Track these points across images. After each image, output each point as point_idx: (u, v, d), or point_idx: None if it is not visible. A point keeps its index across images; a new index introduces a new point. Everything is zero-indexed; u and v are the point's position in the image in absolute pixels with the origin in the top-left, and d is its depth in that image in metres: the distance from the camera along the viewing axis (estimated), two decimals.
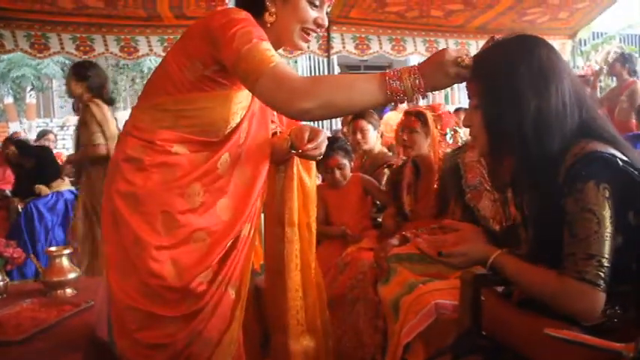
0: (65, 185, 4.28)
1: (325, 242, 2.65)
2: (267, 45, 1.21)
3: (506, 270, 1.19)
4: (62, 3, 4.03)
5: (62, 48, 4.33)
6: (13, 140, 5.13)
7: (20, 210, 4.08)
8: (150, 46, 4.54)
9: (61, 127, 12.76)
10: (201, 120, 1.35)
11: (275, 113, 1.54)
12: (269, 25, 1.36)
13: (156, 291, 1.31)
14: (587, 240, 1.06)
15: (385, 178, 2.87)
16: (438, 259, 1.29)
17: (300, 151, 1.46)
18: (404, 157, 2.52)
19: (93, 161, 3.20)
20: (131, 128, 1.38)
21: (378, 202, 2.86)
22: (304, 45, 1.42)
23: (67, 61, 10.34)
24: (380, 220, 2.76)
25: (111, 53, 4.50)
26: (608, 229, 1.06)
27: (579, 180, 1.08)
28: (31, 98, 14.71)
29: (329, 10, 1.42)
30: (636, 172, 1.08)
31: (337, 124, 5.99)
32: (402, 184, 2.45)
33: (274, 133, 1.58)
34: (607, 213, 1.06)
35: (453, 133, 2.33)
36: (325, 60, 5.25)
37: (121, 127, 2.11)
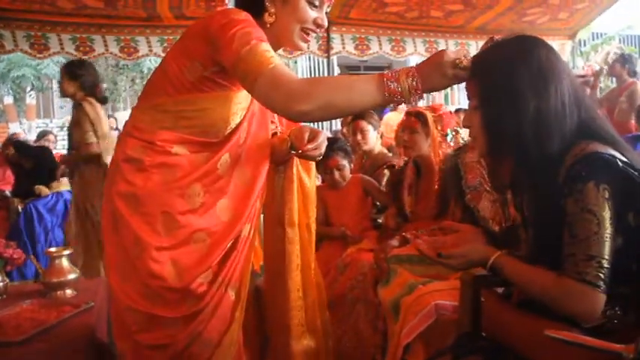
0: (65, 186, 4.28)
1: (325, 243, 2.66)
2: (266, 46, 1.21)
3: (505, 271, 1.19)
4: (62, 3, 4.03)
5: (62, 48, 4.33)
6: (12, 141, 5.13)
7: (20, 210, 4.08)
8: (150, 46, 4.54)
9: (61, 128, 12.75)
10: (202, 121, 1.35)
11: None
12: (269, 25, 1.36)
13: (156, 292, 1.30)
14: (587, 241, 1.05)
15: (385, 179, 2.87)
16: (438, 260, 1.29)
17: (299, 151, 1.46)
18: (405, 158, 2.52)
19: (86, 160, 3.20)
20: (131, 129, 1.38)
21: (378, 203, 2.86)
22: (304, 45, 1.42)
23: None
24: (380, 221, 2.76)
25: (111, 54, 4.50)
26: (608, 230, 1.06)
27: (579, 181, 1.08)
28: (31, 99, 14.72)
29: (328, 10, 1.42)
30: (636, 173, 1.08)
31: (337, 124, 5.99)
32: (404, 184, 2.45)
33: (274, 134, 1.58)
34: (607, 214, 1.06)
35: (454, 133, 2.33)
36: (325, 60, 5.25)
37: (120, 127, 2.11)
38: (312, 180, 1.72)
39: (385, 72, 1.15)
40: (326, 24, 1.41)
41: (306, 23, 1.37)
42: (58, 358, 1.44)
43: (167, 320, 1.31)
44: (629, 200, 1.08)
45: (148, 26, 4.50)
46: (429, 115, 2.31)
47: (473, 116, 1.22)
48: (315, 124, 1.71)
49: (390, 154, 3.45)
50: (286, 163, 1.63)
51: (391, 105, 1.48)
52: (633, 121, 4.12)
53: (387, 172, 2.91)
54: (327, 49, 4.91)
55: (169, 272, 1.30)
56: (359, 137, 3.10)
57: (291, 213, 1.63)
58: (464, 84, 1.20)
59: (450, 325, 1.61)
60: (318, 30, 1.40)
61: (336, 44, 4.92)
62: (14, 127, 12.79)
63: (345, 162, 2.70)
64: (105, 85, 12.86)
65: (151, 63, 11.05)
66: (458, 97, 12.72)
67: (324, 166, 2.66)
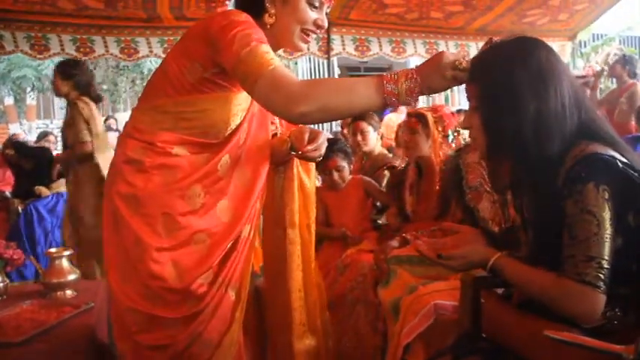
0: (64, 186, 4.28)
1: (325, 244, 2.65)
2: (266, 48, 1.21)
3: (505, 272, 1.19)
4: (62, 4, 4.03)
5: (62, 49, 4.32)
6: (11, 142, 5.14)
7: (20, 211, 4.08)
8: (150, 47, 4.54)
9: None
10: (202, 122, 1.35)
11: None
12: (269, 26, 1.36)
13: (156, 293, 1.31)
14: (587, 242, 1.06)
15: (385, 180, 2.87)
16: (438, 261, 1.29)
17: (299, 152, 1.46)
18: (405, 159, 2.52)
19: (80, 159, 3.19)
20: (131, 130, 1.38)
21: (378, 204, 2.86)
22: (304, 46, 1.42)
23: None
24: (380, 221, 2.76)
25: (111, 54, 4.49)
26: (608, 231, 1.06)
27: (579, 182, 1.08)
28: (31, 99, 14.72)
29: (328, 11, 1.42)
30: (636, 174, 1.08)
31: (337, 125, 5.99)
32: (405, 184, 2.46)
33: (274, 135, 1.58)
34: (607, 215, 1.06)
35: (455, 134, 2.33)
36: (325, 61, 5.25)
37: (120, 128, 2.11)
38: (312, 181, 1.72)
39: (385, 74, 1.15)
40: (326, 25, 1.41)
41: (306, 24, 1.37)
42: (58, 358, 1.44)
43: (167, 321, 1.32)
44: (629, 201, 1.08)
45: (149, 27, 4.49)
46: (430, 116, 2.32)
47: (472, 117, 1.22)
48: (315, 125, 1.71)
49: (391, 155, 3.45)
50: (286, 164, 1.63)
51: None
52: (633, 122, 4.12)
53: (387, 173, 2.91)
54: (327, 50, 4.91)
55: (170, 273, 1.31)
56: (359, 138, 3.10)
57: (291, 214, 1.63)
58: (464, 85, 1.20)
59: (450, 325, 1.61)
60: (318, 31, 1.40)
61: (337, 45, 4.91)
62: (14, 128, 12.80)
63: (344, 163, 2.70)
64: (105, 86, 12.90)
65: (152, 64, 11.03)
66: (458, 98, 12.73)
67: (323, 166, 2.66)
